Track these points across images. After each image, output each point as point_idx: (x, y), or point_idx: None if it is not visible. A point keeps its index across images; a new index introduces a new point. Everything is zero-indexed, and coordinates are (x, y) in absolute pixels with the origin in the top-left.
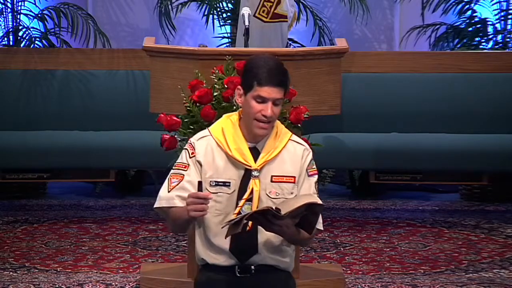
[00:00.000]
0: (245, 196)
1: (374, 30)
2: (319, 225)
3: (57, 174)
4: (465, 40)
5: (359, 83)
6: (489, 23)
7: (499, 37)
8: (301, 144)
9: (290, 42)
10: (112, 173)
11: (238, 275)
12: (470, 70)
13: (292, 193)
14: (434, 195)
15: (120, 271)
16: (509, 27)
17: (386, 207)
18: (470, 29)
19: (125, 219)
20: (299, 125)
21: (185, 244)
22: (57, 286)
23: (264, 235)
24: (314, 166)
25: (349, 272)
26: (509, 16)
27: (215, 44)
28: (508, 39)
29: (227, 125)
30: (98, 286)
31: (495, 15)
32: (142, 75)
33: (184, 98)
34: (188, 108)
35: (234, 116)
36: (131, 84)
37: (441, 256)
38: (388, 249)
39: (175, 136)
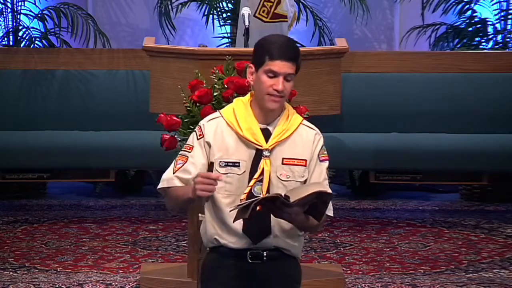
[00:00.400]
0: (256, 175)
1: (374, 30)
2: (329, 212)
3: (57, 174)
4: (465, 40)
5: (359, 83)
6: (489, 23)
7: (499, 37)
8: (313, 128)
9: None
10: (112, 173)
11: (250, 261)
12: (470, 70)
13: (303, 176)
14: (434, 195)
15: (120, 271)
16: (509, 27)
17: (386, 207)
18: (470, 29)
19: (125, 219)
20: None
21: (185, 244)
22: (57, 286)
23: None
24: (326, 152)
25: (349, 272)
26: (509, 16)
27: (215, 44)
28: (508, 39)
29: (238, 106)
30: (98, 286)
31: (495, 15)
32: (142, 75)
33: (184, 98)
34: (188, 108)
35: (245, 97)
36: (131, 84)
37: (441, 256)
38: (388, 249)
39: (175, 136)
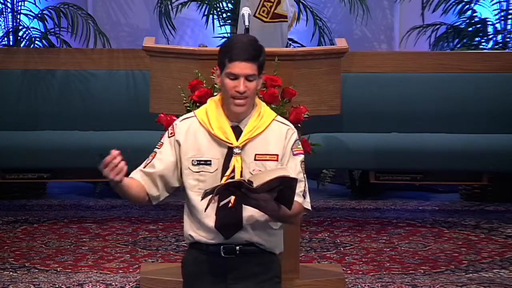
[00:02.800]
0: (227, 173)
1: (374, 30)
2: (307, 204)
3: (57, 174)
4: (465, 40)
5: (359, 83)
6: (489, 23)
7: (499, 37)
8: (286, 124)
9: (290, 42)
10: None
11: (223, 255)
12: (470, 70)
13: None
14: (434, 195)
15: (120, 271)
16: (509, 27)
17: (386, 207)
18: (470, 29)
19: (125, 219)
20: (299, 125)
21: (185, 244)
22: (57, 286)
23: (248, 211)
24: (300, 146)
25: (349, 272)
26: (509, 16)
27: (215, 44)
28: (508, 39)
29: (210, 106)
30: (98, 286)
31: (495, 15)
32: (142, 75)
33: (184, 98)
34: (188, 108)
35: (217, 97)
36: (131, 84)
37: (441, 256)
38: (388, 249)
39: None
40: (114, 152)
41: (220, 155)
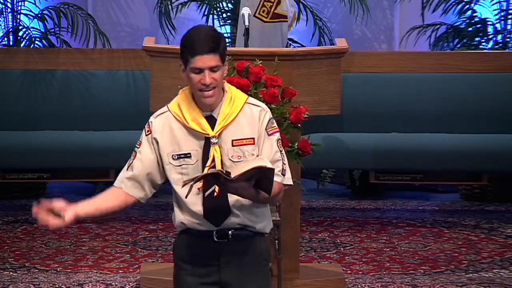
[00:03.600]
0: (208, 163)
1: (374, 30)
2: (287, 181)
3: (57, 174)
4: (465, 40)
5: (359, 83)
6: (489, 23)
7: (499, 37)
8: (258, 105)
9: (290, 42)
10: (112, 173)
11: (216, 240)
12: (470, 70)
13: (252, 154)
14: (434, 195)
15: (120, 271)
16: (509, 27)
17: (386, 207)
18: (470, 29)
19: (125, 219)
20: (299, 125)
21: None
22: (57, 286)
23: (234, 196)
24: (274, 125)
25: (349, 272)
26: (509, 16)
27: None
28: (508, 39)
29: (182, 99)
30: (98, 286)
31: (495, 15)
32: (142, 75)
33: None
34: None
35: (187, 89)
36: (131, 84)
37: (441, 256)
38: (388, 249)
39: None
40: (34, 210)
41: (198, 146)
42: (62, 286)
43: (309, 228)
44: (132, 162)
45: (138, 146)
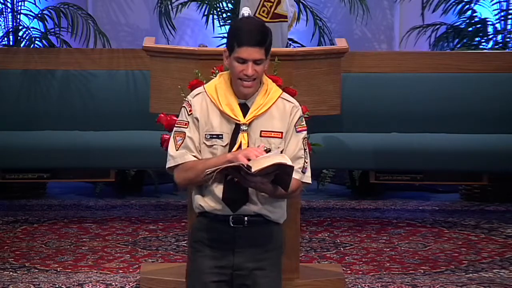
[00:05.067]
0: (234, 149)
1: (374, 30)
2: (306, 179)
3: (57, 174)
4: (465, 40)
5: (359, 83)
6: (489, 23)
7: (499, 37)
8: (291, 101)
9: (290, 42)
10: (112, 173)
11: (232, 225)
12: (470, 70)
13: (279, 147)
14: (434, 195)
15: (120, 271)
16: (509, 27)
17: (386, 207)
18: (470, 29)
19: (125, 219)
20: None
21: (185, 244)
22: (57, 286)
23: None
24: (303, 123)
25: (349, 272)
26: (509, 16)
27: (215, 44)
28: (508, 39)
29: (220, 83)
30: (98, 286)
31: (495, 15)
32: (142, 75)
33: (184, 98)
34: None
35: (226, 74)
36: (131, 84)
37: (441, 256)
38: (388, 249)
39: None
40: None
41: (229, 130)
42: (62, 286)
43: (309, 228)
44: (182, 142)
45: (185, 126)
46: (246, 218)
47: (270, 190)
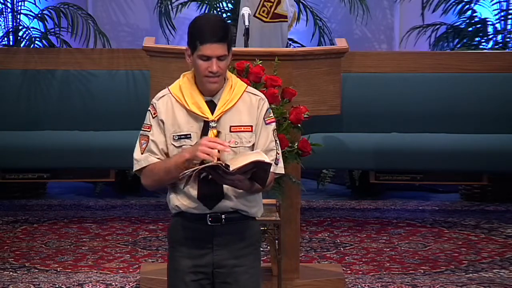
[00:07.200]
0: None
1: (374, 30)
2: (280, 170)
3: (57, 174)
4: (465, 40)
5: (359, 83)
6: (489, 23)
7: (499, 37)
8: (257, 94)
9: (290, 42)
10: (112, 173)
11: (210, 223)
12: (470, 70)
13: (250, 141)
14: (434, 195)
15: (120, 271)
16: (509, 27)
17: (386, 207)
18: (470, 29)
19: (125, 219)
20: (299, 125)
21: None
22: (57, 286)
23: None
24: (271, 115)
25: (349, 272)
26: (509, 16)
27: None
28: (508, 39)
29: (184, 82)
30: (98, 286)
31: (495, 15)
32: (142, 75)
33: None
34: None
35: (190, 73)
36: (131, 84)
37: (441, 256)
38: (388, 249)
39: None
40: (227, 148)
41: (197, 129)
42: (62, 286)
43: (309, 228)
44: (146, 145)
45: (148, 130)
46: (223, 215)
47: (247, 187)
